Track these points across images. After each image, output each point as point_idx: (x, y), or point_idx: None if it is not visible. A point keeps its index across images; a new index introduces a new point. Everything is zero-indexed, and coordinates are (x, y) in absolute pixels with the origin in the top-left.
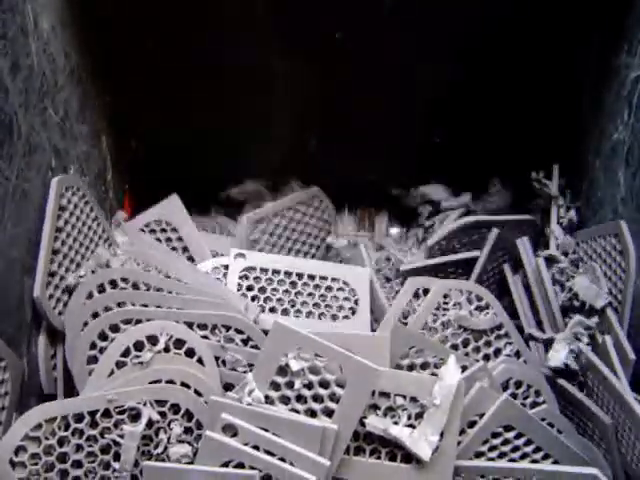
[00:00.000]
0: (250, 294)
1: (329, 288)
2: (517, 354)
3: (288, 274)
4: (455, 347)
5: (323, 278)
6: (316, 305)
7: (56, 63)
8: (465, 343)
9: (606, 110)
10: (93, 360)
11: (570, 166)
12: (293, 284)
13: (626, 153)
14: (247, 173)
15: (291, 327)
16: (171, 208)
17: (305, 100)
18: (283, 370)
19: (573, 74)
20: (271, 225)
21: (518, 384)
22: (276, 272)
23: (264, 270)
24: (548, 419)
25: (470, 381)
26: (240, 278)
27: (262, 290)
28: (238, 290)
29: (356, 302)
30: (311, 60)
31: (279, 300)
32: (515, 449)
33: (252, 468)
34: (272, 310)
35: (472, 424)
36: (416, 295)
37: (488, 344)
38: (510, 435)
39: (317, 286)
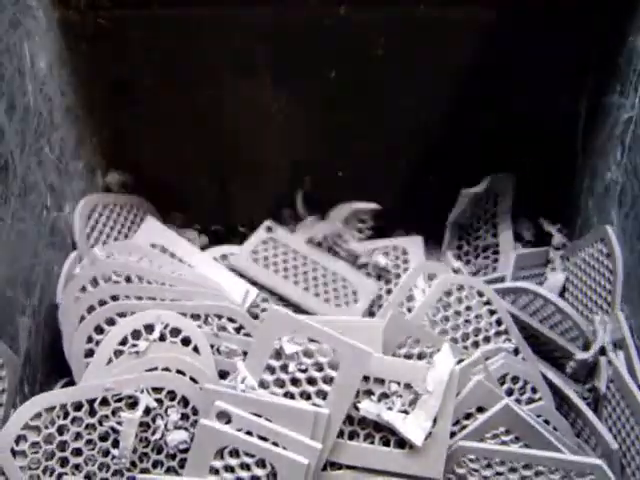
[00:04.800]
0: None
1: (334, 281)
2: (516, 351)
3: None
4: (454, 341)
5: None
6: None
7: (52, 102)
8: (464, 337)
9: (599, 150)
10: (90, 354)
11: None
12: (305, 265)
13: (619, 193)
14: (245, 205)
15: (285, 312)
16: (153, 231)
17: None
18: (278, 354)
19: (567, 113)
20: None
21: (515, 380)
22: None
23: (285, 245)
24: (544, 416)
25: (466, 371)
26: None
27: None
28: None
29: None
30: (309, 99)
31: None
32: None
33: (246, 454)
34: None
35: (468, 416)
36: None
37: (487, 340)
38: (507, 438)
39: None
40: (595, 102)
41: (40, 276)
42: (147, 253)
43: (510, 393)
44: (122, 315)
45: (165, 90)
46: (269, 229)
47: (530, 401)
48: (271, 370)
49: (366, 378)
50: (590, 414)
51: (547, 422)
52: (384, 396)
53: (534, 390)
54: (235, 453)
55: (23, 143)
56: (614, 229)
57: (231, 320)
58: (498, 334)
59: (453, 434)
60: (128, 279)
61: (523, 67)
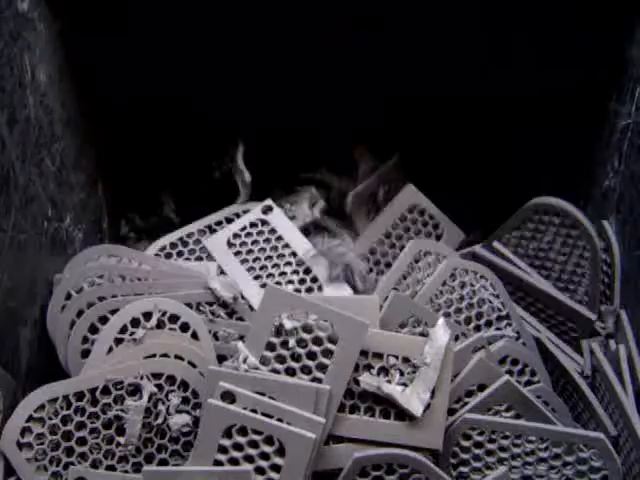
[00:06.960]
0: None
1: (307, 271)
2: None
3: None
4: (457, 324)
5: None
6: (283, 274)
7: (53, 114)
8: (467, 321)
9: (597, 156)
10: (87, 354)
11: None
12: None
13: (617, 200)
14: None
15: (283, 289)
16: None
17: None
18: (278, 331)
19: (566, 119)
20: None
21: (514, 362)
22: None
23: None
24: (543, 397)
25: (468, 350)
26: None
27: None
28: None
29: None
30: None
31: (255, 259)
32: None
33: (253, 431)
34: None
35: (469, 393)
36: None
37: (489, 324)
38: (508, 415)
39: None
40: (592, 110)
41: (41, 287)
42: (124, 252)
43: (509, 374)
44: (114, 312)
45: (164, 102)
46: (268, 209)
47: (528, 383)
48: (271, 347)
49: (365, 353)
50: (592, 397)
51: (546, 403)
52: (383, 370)
53: (533, 373)
54: (243, 431)
55: (24, 154)
56: (611, 224)
57: (223, 306)
58: (500, 319)
59: (455, 411)
60: (111, 280)
61: (524, 71)
